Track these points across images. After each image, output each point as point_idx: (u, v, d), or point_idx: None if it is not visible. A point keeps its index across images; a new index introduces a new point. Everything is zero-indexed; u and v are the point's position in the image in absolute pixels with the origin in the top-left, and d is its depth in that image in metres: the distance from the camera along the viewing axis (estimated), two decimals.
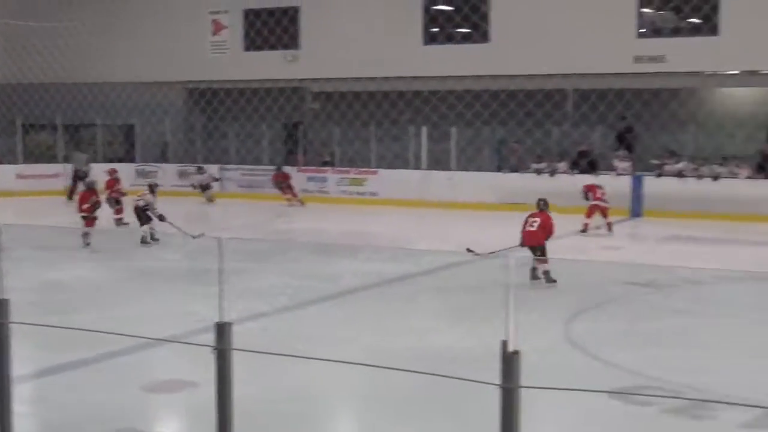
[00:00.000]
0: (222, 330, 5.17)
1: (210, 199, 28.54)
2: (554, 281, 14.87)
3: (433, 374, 8.36)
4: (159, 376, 10.28)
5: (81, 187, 25.57)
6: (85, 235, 18.69)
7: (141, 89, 31.15)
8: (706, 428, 8.77)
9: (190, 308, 12.89)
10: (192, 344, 5.08)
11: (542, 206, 15.80)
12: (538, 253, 15.04)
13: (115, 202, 22.10)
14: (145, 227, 19.16)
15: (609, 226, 21.20)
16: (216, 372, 5.28)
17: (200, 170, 29.30)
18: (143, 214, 19.20)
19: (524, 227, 15.40)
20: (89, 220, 19.00)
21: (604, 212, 21.37)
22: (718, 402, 8.98)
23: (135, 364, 10.55)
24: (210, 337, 5.69)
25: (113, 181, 23.05)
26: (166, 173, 30.93)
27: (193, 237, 17.34)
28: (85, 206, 19.06)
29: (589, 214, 21.31)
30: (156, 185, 20.47)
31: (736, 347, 11.33)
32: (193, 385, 9.88)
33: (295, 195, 27.37)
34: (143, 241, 19.08)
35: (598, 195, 21.46)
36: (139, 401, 9.75)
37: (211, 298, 11.02)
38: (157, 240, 19.27)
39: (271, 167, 29.17)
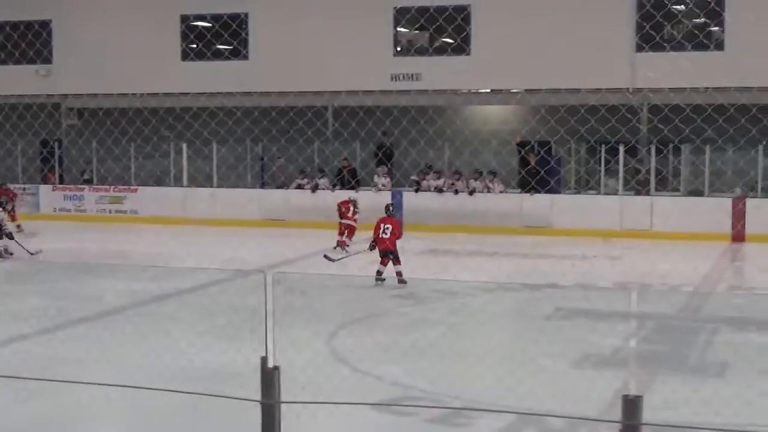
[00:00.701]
0: None
1: None
2: (405, 282, 16.32)
3: (195, 393, 8.29)
4: None
5: None
6: None
7: None
8: None
9: None
10: None
11: (391, 212, 17.71)
12: (391, 258, 16.64)
13: None
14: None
15: (341, 244, 21.29)
16: None
17: None
18: None
19: (377, 233, 16.82)
20: None
21: (350, 231, 21.53)
22: (474, 409, 9.30)
23: None
24: None
25: None
26: None
27: (31, 254, 18.23)
28: None
29: (341, 232, 21.51)
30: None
31: (489, 355, 11.73)
32: None
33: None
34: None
35: (348, 214, 21.62)
36: None
37: None
38: (11, 254, 18.90)
39: (29, 185, 28.17)
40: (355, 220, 21.55)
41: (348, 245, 20.85)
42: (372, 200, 24.15)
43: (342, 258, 18.15)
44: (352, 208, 21.65)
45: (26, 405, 9.12)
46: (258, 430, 6.21)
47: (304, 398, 6.68)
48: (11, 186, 26.58)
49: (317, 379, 10.15)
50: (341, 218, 21.60)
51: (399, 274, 16.52)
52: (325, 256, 17.80)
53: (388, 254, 16.71)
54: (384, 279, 16.29)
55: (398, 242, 16.88)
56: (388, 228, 16.80)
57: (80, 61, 28.50)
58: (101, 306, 14.65)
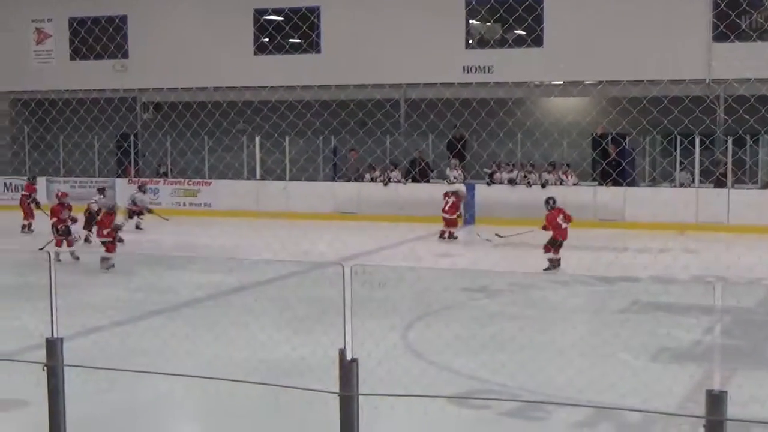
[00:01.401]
0: (52, 346, 5.01)
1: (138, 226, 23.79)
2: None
3: (274, 384, 8.32)
4: None
5: None
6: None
7: None
8: (540, 428, 8.98)
9: (18, 324, 12.48)
10: (21, 361, 4.88)
11: (552, 205, 17.92)
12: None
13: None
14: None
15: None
16: (48, 389, 5.12)
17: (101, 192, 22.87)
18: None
19: (557, 224, 17.48)
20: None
21: (446, 223, 21.93)
22: (550, 403, 9.22)
23: None
24: (41, 354, 5.51)
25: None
26: None
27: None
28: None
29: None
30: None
31: (565, 349, 11.63)
32: (23, 404, 9.57)
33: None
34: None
35: (445, 207, 22.06)
36: None
37: (40, 313, 10.76)
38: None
39: (104, 179, 28.54)
40: (452, 213, 21.83)
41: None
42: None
43: (509, 236, 18.97)
44: (449, 201, 21.98)
45: (107, 395, 9.24)
46: (336, 422, 6.22)
47: (381, 391, 6.66)
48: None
49: (394, 371, 10.14)
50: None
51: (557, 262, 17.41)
52: (497, 235, 18.87)
53: (562, 244, 17.51)
54: (558, 267, 16.84)
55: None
56: (565, 222, 17.61)
57: (156, 55, 28.84)
58: (179, 298, 14.80)
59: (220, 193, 27.46)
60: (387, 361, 10.85)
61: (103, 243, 17.94)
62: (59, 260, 16.44)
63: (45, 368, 4.90)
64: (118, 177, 29.09)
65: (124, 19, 29.72)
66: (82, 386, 8.48)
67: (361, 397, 6.22)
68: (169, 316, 14.03)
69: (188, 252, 15.67)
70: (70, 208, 18.81)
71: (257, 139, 27.62)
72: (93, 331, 12.44)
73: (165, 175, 29.21)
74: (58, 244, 18.21)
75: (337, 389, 6.09)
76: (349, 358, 5.14)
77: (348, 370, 4.79)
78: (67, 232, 18.57)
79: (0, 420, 9.55)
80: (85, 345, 10.90)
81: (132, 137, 30.43)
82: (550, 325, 13.32)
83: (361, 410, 6.28)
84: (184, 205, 27.80)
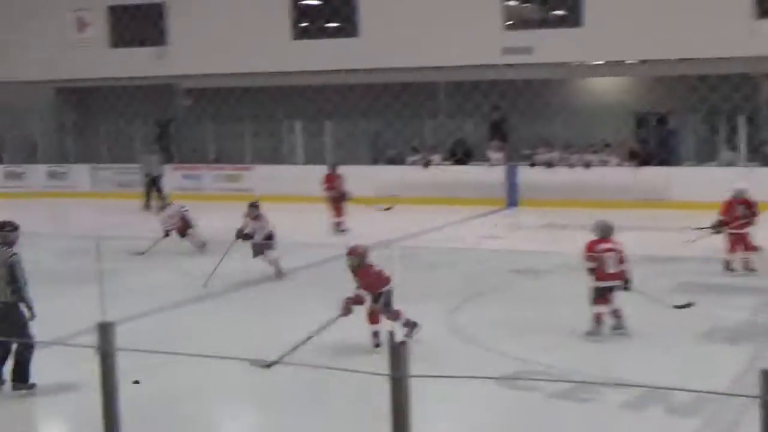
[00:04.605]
0: (105, 330, 5.03)
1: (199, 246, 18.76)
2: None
3: (324, 367, 8.35)
4: (40, 380, 10.01)
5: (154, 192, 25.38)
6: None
7: (7, 89, 30.28)
8: (590, 410, 8.95)
9: (69, 309, 12.61)
10: (74, 346, 4.89)
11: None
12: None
13: None
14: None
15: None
16: (100, 373, 5.14)
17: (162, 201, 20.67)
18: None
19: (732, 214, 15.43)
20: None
21: None
22: (600, 384, 9.18)
23: None
24: (93, 338, 5.53)
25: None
26: (36, 174, 30.26)
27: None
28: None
29: None
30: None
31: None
32: (74, 388, 9.67)
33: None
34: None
35: None
36: (21, 405, 9.51)
37: (90, 298, 10.86)
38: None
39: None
40: None
41: None
42: (486, 176, 24.09)
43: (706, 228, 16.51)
44: None
45: (158, 377, 9.30)
46: (386, 404, 6.21)
47: (430, 372, 6.64)
48: None
49: (442, 353, 10.15)
50: None
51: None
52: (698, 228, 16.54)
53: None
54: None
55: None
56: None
57: (193, 42, 28.89)
58: (226, 282, 14.85)
59: (262, 178, 27.49)
60: (434, 343, 10.86)
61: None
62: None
63: (98, 352, 4.90)
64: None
65: (162, 6, 29.81)
66: (134, 370, 8.55)
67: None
68: (217, 300, 14.12)
69: (232, 237, 15.72)
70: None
71: (297, 124, 27.62)
72: (145, 315, 12.55)
73: (216, 161, 29.25)
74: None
75: (386, 371, 6.08)
76: (398, 339, 5.13)
77: (398, 351, 4.77)
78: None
79: (52, 403, 9.67)
80: (135, 329, 10.99)
81: (170, 124, 30.57)
82: None
83: (410, 392, 6.27)
84: (227, 190, 27.87)
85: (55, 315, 12.68)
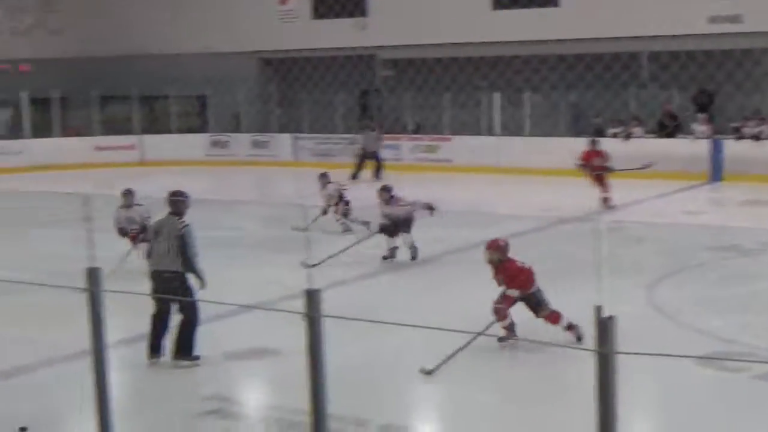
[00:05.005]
0: (311, 297, 5.14)
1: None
2: None
3: (525, 339, 8.30)
4: (244, 344, 10.34)
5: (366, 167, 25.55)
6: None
7: (213, 60, 31.31)
8: None
9: (271, 276, 12.96)
10: (282, 311, 5.06)
11: None
12: None
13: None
14: None
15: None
16: (307, 339, 5.26)
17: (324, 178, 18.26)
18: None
19: None
20: None
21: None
22: None
23: (220, 332, 10.61)
24: (292, 305, 5.65)
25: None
26: (240, 143, 31.17)
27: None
28: None
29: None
30: None
31: None
32: (276, 353, 9.94)
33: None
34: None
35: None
36: (225, 368, 9.83)
37: (291, 266, 11.12)
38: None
39: (347, 135, 29.10)
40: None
41: None
42: (689, 149, 23.43)
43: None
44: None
45: (355, 344, 9.43)
46: (590, 379, 6.14)
47: (629, 349, 6.51)
48: None
49: (642, 329, 9.94)
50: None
51: None
52: None
53: None
54: None
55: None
56: None
57: (394, 13, 29.12)
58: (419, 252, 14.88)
59: (460, 149, 27.53)
60: (635, 319, 10.64)
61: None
62: None
63: (305, 318, 5.02)
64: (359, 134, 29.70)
65: None
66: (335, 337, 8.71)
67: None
68: (409, 270, 14.21)
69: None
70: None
71: (495, 95, 27.50)
72: (341, 284, 12.77)
73: (415, 131, 29.44)
74: None
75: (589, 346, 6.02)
76: (604, 314, 5.04)
77: (604, 326, 4.68)
78: None
79: (257, 367, 9.97)
80: (334, 296, 11.18)
81: (371, 94, 30.92)
82: None
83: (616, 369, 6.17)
84: (425, 161, 28.03)
85: (257, 281, 13.11)
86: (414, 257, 14.55)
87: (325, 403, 4.52)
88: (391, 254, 14.62)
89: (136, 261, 12.72)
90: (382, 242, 14.68)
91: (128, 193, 14.49)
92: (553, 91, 27.32)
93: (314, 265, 12.92)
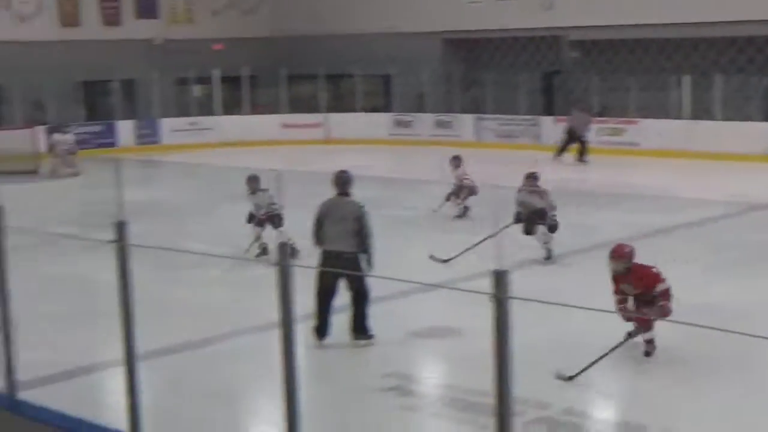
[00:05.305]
0: (500, 277, 5.12)
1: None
2: None
3: (720, 329, 7.99)
4: (426, 323, 10.41)
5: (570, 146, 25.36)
6: None
7: (398, 40, 31.50)
8: None
9: (448, 256, 12.98)
10: (470, 291, 5.05)
11: None
12: None
13: None
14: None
15: None
16: (494, 320, 5.26)
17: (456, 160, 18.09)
18: None
19: None
20: None
21: None
22: None
23: (402, 310, 10.72)
24: (472, 286, 5.64)
25: None
26: (423, 123, 31.30)
27: None
28: None
29: None
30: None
31: None
32: (458, 333, 9.98)
33: None
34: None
35: None
36: (406, 347, 9.92)
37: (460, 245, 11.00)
38: None
39: (529, 117, 28.87)
40: None
41: None
42: None
43: None
44: None
45: (539, 327, 9.34)
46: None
47: None
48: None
49: None
50: None
51: None
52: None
53: None
54: None
55: None
56: None
57: None
58: (603, 237, 14.61)
59: (647, 133, 26.89)
60: None
61: None
62: None
63: (492, 299, 5.00)
64: (543, 116, 29.34)
65: None
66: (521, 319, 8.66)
67: None
68: (593, 254, 13.97)
69: (616, 191, 15.40)
70: None
71: (684, 78, 26.73)
72: (525, 266, 12.69)
73: (601, 114, 28.84)
74: None
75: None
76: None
77: None
78: None
79: (438, 346, 10.04)
80: (520, 280, 11.09)
81: (557, 75, 30.52)
82: None
83: None
84: (609, 144, 27.51)
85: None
86: (548, 257, 13.71)
87: (511, 385, 4.49)
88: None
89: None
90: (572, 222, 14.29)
91: (253, 179, 14.28)
92: (743, 74, 26.35)
93: (448, 260, 12.87)
